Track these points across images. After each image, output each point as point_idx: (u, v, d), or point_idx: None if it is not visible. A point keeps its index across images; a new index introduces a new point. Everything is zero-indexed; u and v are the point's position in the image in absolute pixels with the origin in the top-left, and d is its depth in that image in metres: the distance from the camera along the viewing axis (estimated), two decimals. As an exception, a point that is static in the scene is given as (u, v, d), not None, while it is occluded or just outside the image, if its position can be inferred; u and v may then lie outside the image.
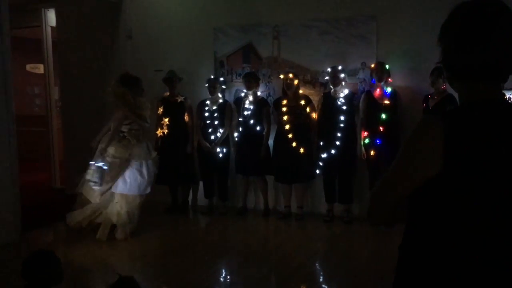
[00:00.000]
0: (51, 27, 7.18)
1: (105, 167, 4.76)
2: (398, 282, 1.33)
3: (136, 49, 6.37)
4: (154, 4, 6.25)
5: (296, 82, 5.36)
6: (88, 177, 4.73)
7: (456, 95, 1.36)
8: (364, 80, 5.41)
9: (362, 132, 5.19)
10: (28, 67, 9.64)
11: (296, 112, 5.35)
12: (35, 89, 10.10)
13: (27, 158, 7.62)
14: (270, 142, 5.58)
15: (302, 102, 5.37)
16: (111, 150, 4.88)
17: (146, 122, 5.06)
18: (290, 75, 5.35)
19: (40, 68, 8.59)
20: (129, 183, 4.88)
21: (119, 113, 4.89)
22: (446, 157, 1.17)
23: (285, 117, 5.36)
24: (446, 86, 4.80)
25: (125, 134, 4.95)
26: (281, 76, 5.50)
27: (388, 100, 5.03)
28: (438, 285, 1.23)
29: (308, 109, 5.38)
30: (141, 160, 4.96)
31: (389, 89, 5.07)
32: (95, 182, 4.71)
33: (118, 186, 4.86)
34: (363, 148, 5.18)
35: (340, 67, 5.26)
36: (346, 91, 5.28)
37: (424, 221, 1.26)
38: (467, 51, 1.21)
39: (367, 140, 5.16)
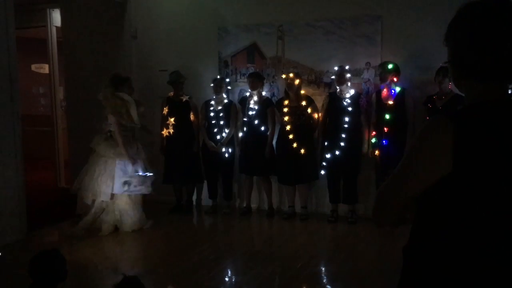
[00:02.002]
0: (56, 27, 7.21)
1: (149, 174, 5.08)
2: (404, 282, 1.33)
3: (141, 49, 6.38)
4: (159, 4, 6.26)
5: (297, 82, 5.35)
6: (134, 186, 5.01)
7: (463, 95, 1.35)
8: (369, 80, 5.40)
9: (372, 131, 5.17)
10: (33, 67, 9.68)
11: (297, 113, 5.33)
12: (40, 89, 10.15)
13: (32, 158, 7.65)
14: (274, 142, 5.58)
15: (304, 103, 5.35)
16: (100, 150, 5.00)
17: (133, 123, 5.09)
18: (291, 75, 5.34)
19: (45, 68, 8.62)
20: (114, 183, 4.95)
21: (112, 119, 4.98)
22: (456, 157, 1.17)
23: (286, 118, 5.35)
24: (452, 86, 4.78)
25: (112, 133, 5.06)
26: (283, 76, 5.49)
27: (393, 101, 5.00)
28: (446, 285, 1.22)
29: (309, 110, 5.37)
30: (126, 159, 5.01)
31: (397, 89, 5.03)
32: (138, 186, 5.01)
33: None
34: (370, 148, 5.17)
35: (347, 67, 5.25)
36: (352, 92, 5.26)
37: (433, 222, 1.25)
38: (480, 49, 1.20)
39: (374, 139, 5.14)
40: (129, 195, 5.03)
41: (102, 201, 4.98)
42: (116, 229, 5.00)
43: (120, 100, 4.98)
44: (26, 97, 9.03)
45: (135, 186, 4.96)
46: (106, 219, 4.98)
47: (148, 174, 5.10)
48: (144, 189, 5.05)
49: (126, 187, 4.94)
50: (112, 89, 5.01)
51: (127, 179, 4.95)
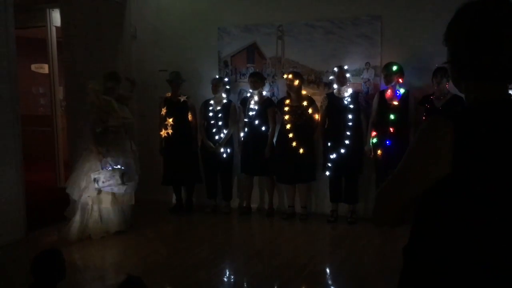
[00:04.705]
0: (56, 27, 7.21)
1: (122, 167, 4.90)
2: (404, 282, 1.33)
3: (141, 48, 6.38)
4: (159, 4, 6.26)
5: (296, 82, 5.35)
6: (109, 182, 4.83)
7: (462, 95, 1.35)
8: (369, 80, 5.40)
9: (372, 131, 5.18)
10: (33, 67, 9.68)
11: (298, 113, 5.34)
12: (40, 89, 10.15)
13: (32, 158, 7.65)
14: (274, 141, 5.58)
15: (305, 103, 5.36)
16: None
17: (123, 120, 5.04)
18: (290, 76, 5.35)
19: (45, 68, 8.62)
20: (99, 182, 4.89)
21: (91, 115, 4.98)
22: (456, 158, 1.17)
23: (286, 117, 5.36)
24: (449, 86, 4.79)
25: (101, 131, 4.97)
26: (284, 76, 5.50)
27: (398, 102, 5.00)
28: (446, 285, 1.23)
29: (310, 110, 5.38)
30: (119, 157, 4.96)
31: (402, 90, 5.03)
32: (119, 183, 4.84)
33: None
34: (371, 147, 5.16)
35: (346, 67, 5.27)
36: (350, 91, 5.27)
37: (432, 222, 1.25)
38: (479, 50, 1.20)
39: (375, 140, 5.14)
40: (113, 195, 4.92)
41: (88, 197, 4.87)
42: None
43: (104, 100, 4.95)
44: (26, 97, 9.04)
45: (103, 182, 4.81)
46: (90, 221, 4.89)
47: (114, 167, 4.84)
48: (115, 187, 4.84)
49: (95, 184, 4.82)
50: (98, 84, 5.00)
51: (96, 176, 4.83)
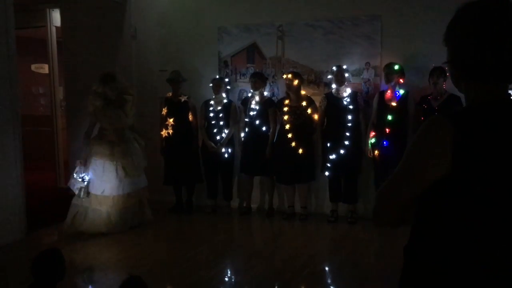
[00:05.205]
0: (56, 27, 7.21)
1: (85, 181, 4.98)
2: (405, 281, 1.33)
3: (141, 48, 6.38)
4: (159, 4, 6.26)
5: (295, 82, 5.34)
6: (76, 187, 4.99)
7: (460, 95, 1.35)
8: (369, 80, 5.40)
9: (371, 132, 5.17)
10: (33, 67, 9.68)
11: (297, 113, 5.34)
12: (40, 89, 10.15)
13: (32, 158, 7.65)
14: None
15: (304, 103, 5.36)
16: (91, 149, 5.06)
17: (118, 122, 5.08)
18: (289, 76, 5.35)
19: (45, 68, 8.62)
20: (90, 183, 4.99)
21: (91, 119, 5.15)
22: (455, 158, 1.17)
23: (285, 117, 5.36)
24: (446, 86, 4.79)
25: (94, 134, 5.09)
26: (284, 76, 5.51)
27: (396, 102, 5.00)
28: (446, 284, 1.23)
29: (309, 110, 5.38)
30: (103, 159, 4.98)
31: (401, 91, 5.02)
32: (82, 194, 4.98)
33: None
34: (369, 146, 5.16)
35: (345, 67, 5.26)
36: (349, 91, 5.28)
37: (433, 221, 1.26)
38: (479, 50, 1.20)
39: (373, 140, 5.14)
40: (95, 196, 4.96)
41: (79, 198, 4.95)
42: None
43: (100, 102, 5.01)
44: (26, 97, 9.04)
45: (73, 185, 4.99)
46: (79, 219, 4.94)
47: (80, 178, 4.96)
48: (77, 191, 4.96)
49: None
50: (101, 87, 5.04)
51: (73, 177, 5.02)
